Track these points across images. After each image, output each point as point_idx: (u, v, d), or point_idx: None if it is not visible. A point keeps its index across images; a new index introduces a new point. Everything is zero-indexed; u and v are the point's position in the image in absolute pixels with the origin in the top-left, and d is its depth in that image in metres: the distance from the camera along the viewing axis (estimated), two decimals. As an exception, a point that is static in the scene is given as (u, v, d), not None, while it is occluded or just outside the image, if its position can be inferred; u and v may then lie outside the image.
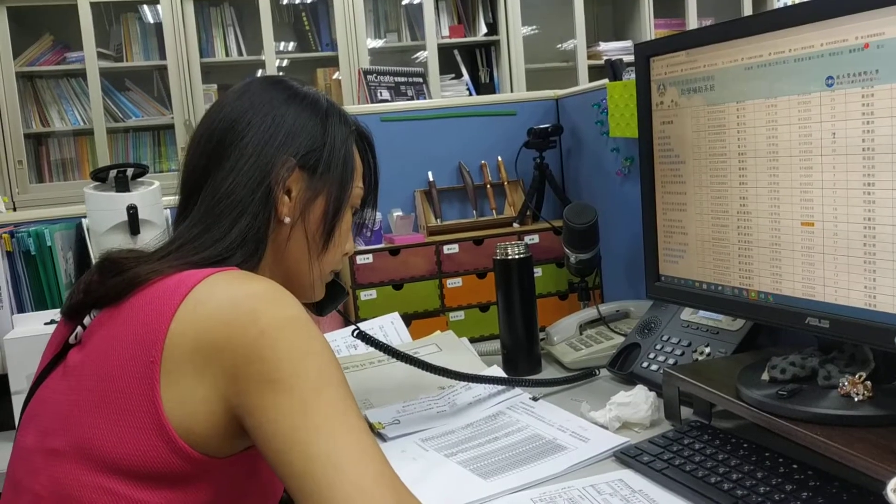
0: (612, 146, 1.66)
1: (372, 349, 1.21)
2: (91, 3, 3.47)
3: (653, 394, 1.16)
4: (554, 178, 1.84)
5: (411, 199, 1.83)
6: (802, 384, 0.96)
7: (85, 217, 1.55)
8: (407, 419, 1.22)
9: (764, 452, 0.96)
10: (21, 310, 1.47)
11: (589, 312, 1.55)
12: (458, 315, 1.69)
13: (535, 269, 1.58)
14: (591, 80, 3.67)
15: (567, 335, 1.51)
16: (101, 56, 3.57)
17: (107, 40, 3.71)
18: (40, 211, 1.71)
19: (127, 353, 0.76)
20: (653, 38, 3.86)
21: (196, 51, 3.61)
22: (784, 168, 0.98)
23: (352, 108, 1.71)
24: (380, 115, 1.81)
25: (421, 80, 2.25)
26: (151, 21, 3.73)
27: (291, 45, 3.94)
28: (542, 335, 1.51)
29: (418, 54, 4.03)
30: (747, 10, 4.16)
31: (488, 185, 1.85)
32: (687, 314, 1.34)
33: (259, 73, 3.75)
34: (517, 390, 1.30)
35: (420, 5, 3.79)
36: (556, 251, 1.73)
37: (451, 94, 3.80)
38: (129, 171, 1.52)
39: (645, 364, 1.31)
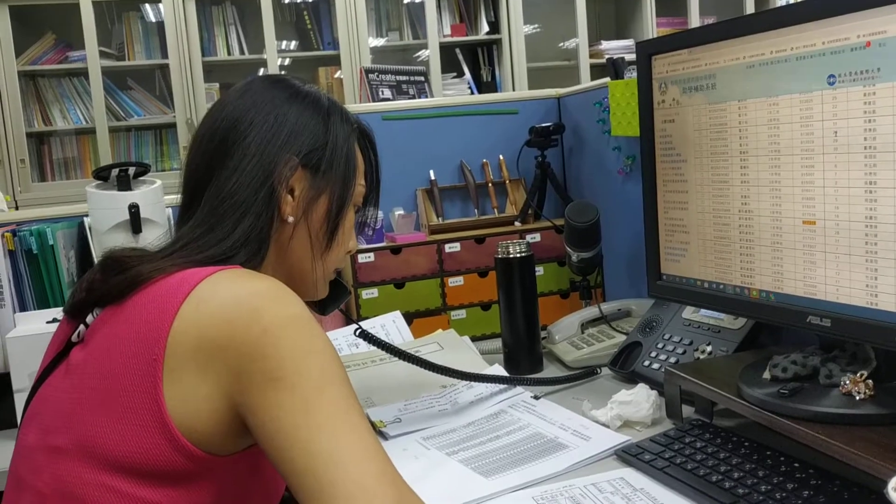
0: (613, 145, 1.66)
1: (374, 348, 1.21)
2: (93, 2, 3.47)
3: (654, 392, 1.16)
4: (555, 176, 1.84)
5: (413, 198, 1.83)
6: (804, 383, 0.97)
7: (87, 216, 1.55)
8: (408, 418, 1.22)
9: (765, 451, 0.96)
10: (23, 308, 1.48)
11: (590, 311, 1.56)
12: (460, 314, 1.69)
13: (537, 268, 1.58)
14: (592, 78, 3.67)
15: (568, 334, 1.51)
16: (103, 55, 3.58)
17: (109, 39, 3.72)
18: (42, 210, 1.71)
19: (129, 351, 0.76)
20: (655, 36, 3.86)
21: (198, 49, 3.61)
22: (785, 166, 0.98)
23: (353, 106, 1.71)
24: (381, 113, 1.81)
25: (423, 78, 2.25)
26: (153, 20, 3.74)
27: (293, 44, 3.95)
28: (543, 334, 1.51)
29: (420, 53, 4.03)
30: (749, 8, 4.15)
31: (490, 184, 1.85)
32: (688, 313, 1.34)
33: (261, 71, 3.75)
34: (518, 389, 1.30)
35: (422, 4, 3.79)
36: (557, 250, 1.73)
37: (452, 92, 3.80)
38: (131, 170, 1.52)
39: (646, 363, 1.31)
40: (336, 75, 3.84)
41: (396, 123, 1.82)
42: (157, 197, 1.53)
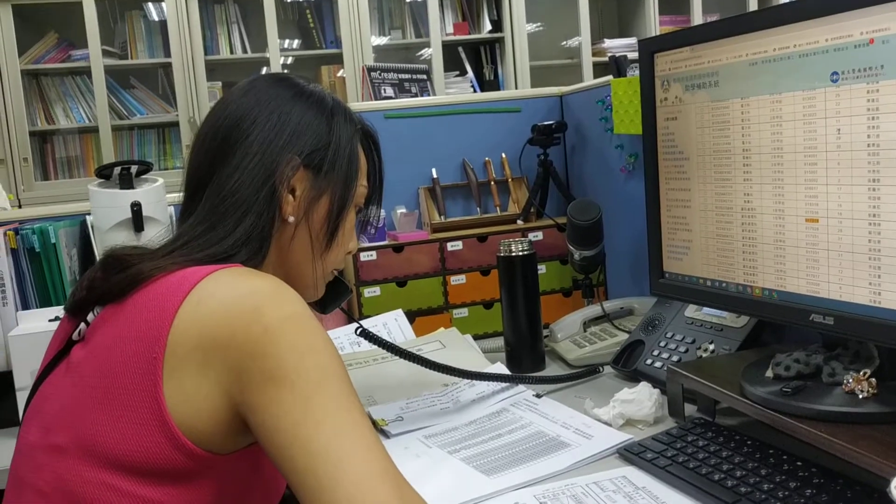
0: (616, 143, 1.66)
1: (376, 346, 1.21)
2: (96, 1, 3.48)
3: (656, 391, 1.15)
4: (558, 174, 1.83)
5: (415, 196, 1.83)
6: (807, 381, 0.96)
7: (89, 214, 1.55)
8: (410, 416, 1.22)
9: (768, 449, 0.95)
10: (25, 306, 1.48)
11: (593, 309, 1.55)
12: (462, 312, 1.69)
13: (539, 266, 1.58)
14: (595, 77, 3.66)
15: (571, 332, 1.51)
16: (105, 54, 3.58)
17: (111, 38, 3.72)
18: (45, 208, 1.72)
19: (130, 349, 0.76)
20: (657, 34, 3.85)
21: (200, 48, 3.61)
22: (788, 164, 0.98)
23: (356, 105, 1.71)
24: (384, 112, 1.81)
25: (425, 77, 2.25)
26: (156, 19, 3.74)
27: (296, 43, 3.94)
28: (545, 332, 1.51)
29: (423, 51, 4.03)
30: (752, 5, 4.14)
31: (492, 182, 1.85)
32: (691, 311, 1.34)
33: (263, 70, 3.75)
34: (521, 387, 1.30)
35: (424, 2, 3.78)
36: (560, 248, 1.73)
37: (455, 91, 3.80)
38: (133, 169, 1.52)
39: (649, 361, 1.30)
40: (338, 74, 3.84)
41: (399, 122, 1.81)
42: (160, 195, 1.53)
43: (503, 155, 1.87)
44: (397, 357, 1.22)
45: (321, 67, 3.88)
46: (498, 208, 1.84)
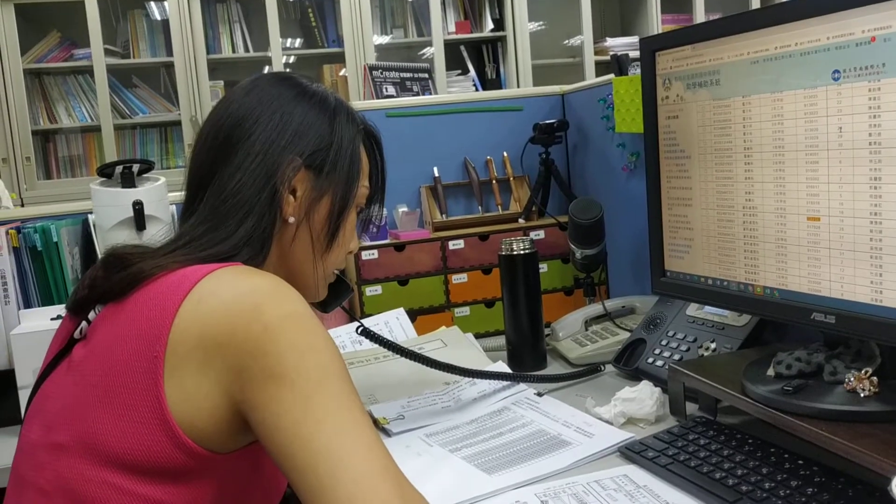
0: (617, 141, 1.65)
1: (377, 345, 1.21)
2: (98, 0, 3.48)
3: (658, 389, 1.15)
4: (560, 173, 1.83)
5: (416, 195, 1.83)
6: (808, 380, 0.96)
7: (91, 213, 1.56)
8: (411, 414, 1.22)
9: (769, 448, 0.95)
10: (27, 305, 1.48)
11: (594, 308, 1.55)
12: (464, 311, 1.69)
13: (541, 265, 1.58)
14: (597, 76, 3.65)
15: (572, 331, 1.51)
16: (108, 53, 3.58)
17: (114, 37, 3.72)
18: (47, 207, 1.72)
19: (131, 348, 0.76)
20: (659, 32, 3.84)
21: (203, 47, 3.61)
22: (790, 163, 0.98)
23: (357, 104, 1.71)
24: (385, 110, 1.81)
25: (427, 75, 2.25)
26: (158, 18, 3.74)
27: (298, 42, 3.95)
28: (547, 331, 1.50)
29: (425, 50, 4.03)
30: (754, 4, 4.13)
31: (494, 181, 1.85)
32: (692, 310, 1.34)
33: (266, 69, 3.76)
34: (522, 386, 1.30)
35: (426, 1, 3.78)
36: (561, 247, 1.72)
37: (457, 90, 3.80)
38: (135, 167, 1.52)
39: (650, 360, 1.30)
40: (340, 73, 3.84)
41: (400, 120, 1.81)
42: (161, 194, 1.53)
43: (505, 154, 1.87)
44: (399, 356, 1.22)
45: (323, 66, 3.88)
46: (499, 207, 1.84)
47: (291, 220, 0.91)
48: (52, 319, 1.38)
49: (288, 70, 3.60)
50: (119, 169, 1.51)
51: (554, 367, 1.45)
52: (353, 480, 0.67)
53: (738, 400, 0.99)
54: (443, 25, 3.83)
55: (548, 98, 1.91)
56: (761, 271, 1.05)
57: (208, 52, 3.65)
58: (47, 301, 1.50)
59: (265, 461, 0.83)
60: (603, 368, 1.40)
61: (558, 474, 1.00)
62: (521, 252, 1.41)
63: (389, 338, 1.39)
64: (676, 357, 1.26)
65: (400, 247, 1.66)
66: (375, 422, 1.20)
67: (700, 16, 4.03)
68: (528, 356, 1.43)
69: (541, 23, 4.14)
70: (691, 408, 1.13)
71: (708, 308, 1.30)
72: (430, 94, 2.21)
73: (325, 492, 0.67)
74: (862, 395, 0.90)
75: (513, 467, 1.02)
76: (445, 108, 1.85)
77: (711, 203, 1.11)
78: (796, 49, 0.95)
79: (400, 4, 3.96)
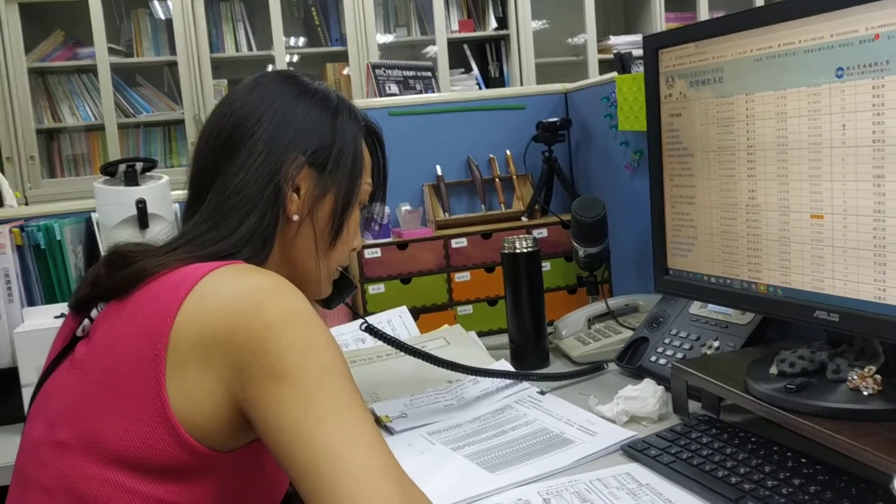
0: (621, 140, 1.65)
1: (380, 343, 1.21)
2: (101, -1, 3.49)
3: (661, 388, 1.15)
4: (563, 171, 1.83)
5: (419, 194, 1.83)
6: (811, 378, 0.96)
7: (94, 211, 1.56)
8: (414, 412, 1.22)
9: (772, 446, 0.95)
10: (31, 303, 1.48)
11: (597, 306, 1.55)
12: (466, 309, 1.69)
13: (544, 263, 1.58)
14: (600, 74, 3.65)
15: (575, 329, 1.51)
16: (111, 52, 3.59)
17: (117, 36, 3.73)
18: (50, 205, 1.72)
19: (133, 346, 0.76)
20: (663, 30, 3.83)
21: (206, 46, 3.62)
22: (793, 160, 0.97)
23: (360, 102, 1.71)
24: (388, 109, 1.80)
25: (430, 74, 2.25)
26: (162, 17, 3.74)
27: (301, 41, 3.95)
28: (550, 329, 1.50)
29: (428, 49, 4.03)
30: (758, 1, 4.12)
31: (497, 179, 1.85)
32: (696, 308, 1.33)
33: (269, 68, 3.76)
34: (525, 384, 1.30)
35: (430, 0, 3.78)
36: (564, 245, 1.72)
37: (460, 88, 3.80)
38: (139, 166, 1.52)
39: (653, 358, 1.30)
40: (344, 72, 3.84)
41: (403, 119, 1.81)
42: (164, 192, 1.53)
43: (508, 152, 1.87)
44: (402, 353, 1.22)
45: (326, 65, 3.89)
46: (502, 205, 1.84)
47: (295, 217, 0.91)
48: (55, 318, 1.38)
49: (291, 69, 3.60)
50: (122, 167, 1.51)
51: (557, 366, 1.45)
52: (354, 478, 0.67)
53: (741, 398, 0.99)
54: (446, 24, 3.82)
55: (551, 96, 1.90)
56: (764, 269, 1.04)
57: (212, 51, 3.66)
58: (51, 299, 1.51)
59: (267, 459, 0.83)
60: (606, 367, 1.40)
61: (561, 472, 1.00)
62: (524, 250, 1.41)
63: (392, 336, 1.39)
64: (679, 355, 1.26)
65: (403, 245, 1.66)
66: (378, 420, 1.20)
67: (703, 13, 4.02)
68: (530, 354, 1.43)
69: (544, 21, 4.13)
70: (694, 406, 1.13)
71: (711, 306, 1.30)
72: (434, 92, 2.21)
73: (327, 490, 0.67)
74: (865, 393, 0.90)
75: (515, 465, 1.02)
76: (448, 107, 1.85)
77: (714, 201, 1.11)
78: (800, 47, 0.95)
79: (403, 3, 3.95)
